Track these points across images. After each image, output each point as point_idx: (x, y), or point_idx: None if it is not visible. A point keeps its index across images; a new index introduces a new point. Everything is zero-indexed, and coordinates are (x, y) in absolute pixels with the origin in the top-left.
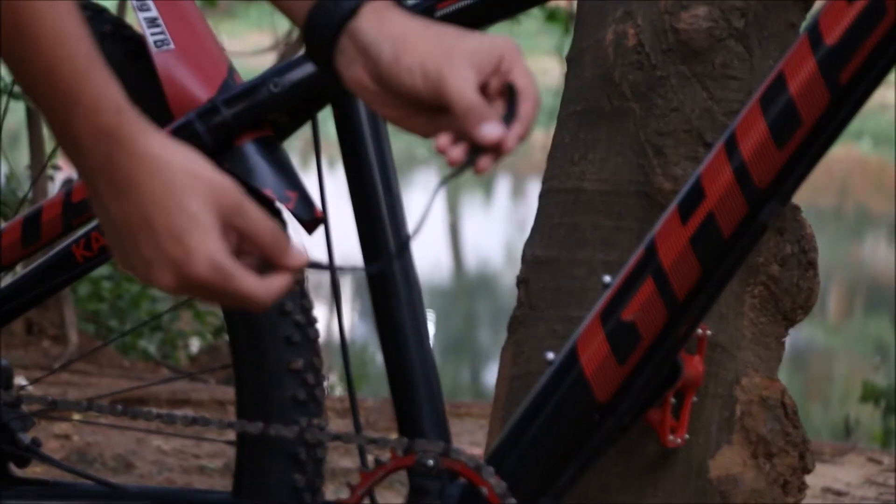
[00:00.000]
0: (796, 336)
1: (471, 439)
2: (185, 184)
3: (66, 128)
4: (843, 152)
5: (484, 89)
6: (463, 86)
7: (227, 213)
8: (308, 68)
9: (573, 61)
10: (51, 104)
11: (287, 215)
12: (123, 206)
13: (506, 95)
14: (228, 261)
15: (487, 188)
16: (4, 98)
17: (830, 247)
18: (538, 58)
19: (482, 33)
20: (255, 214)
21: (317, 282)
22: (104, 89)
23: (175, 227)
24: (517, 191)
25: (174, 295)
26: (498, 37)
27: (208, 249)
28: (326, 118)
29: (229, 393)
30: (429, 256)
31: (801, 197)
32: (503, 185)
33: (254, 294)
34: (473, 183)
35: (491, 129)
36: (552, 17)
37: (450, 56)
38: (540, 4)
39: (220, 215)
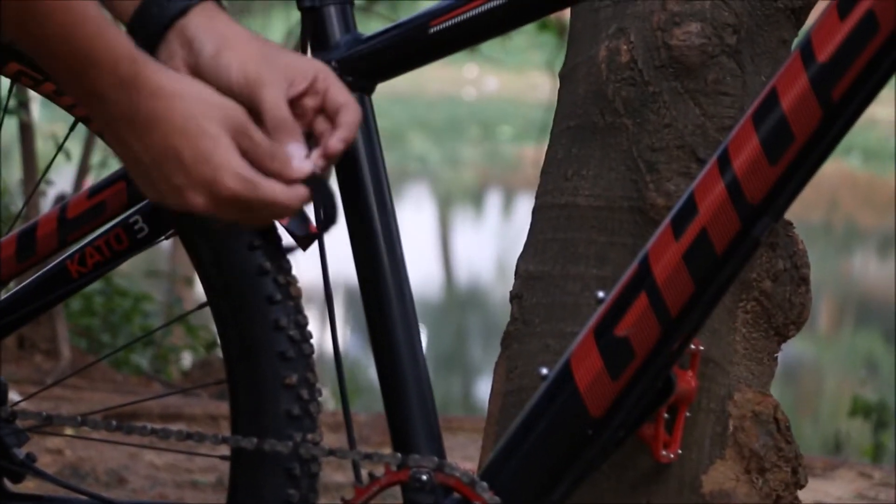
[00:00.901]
0: (787, 350)
1: (464, 454)
2: (202, 110)
3: (87, 85)
4: (833, 167)
5: (299, 105)
6: (278, 97)
7: (238, 132)
8: None
9: (566, 77)
10: (70, 66)
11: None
12: (149, 143)
13: (324, 113)
14: (252, 172)
15: (479, 203)
16: None
17: (820, 262)
18: (529, 73)
19: (301, 54)
20: (257, 132)
21: (310, 296)
22: (117, 42)
23: (200, 150)
24: (508, 205)
25: (210, 213)
26: (312, 59)
27: (233, 164)
28: None
29: (222, 408)
30: (421, 271)
31: (791, 212)
32: (494, 200)
33: (281, 199)
34: (465, 197)
35: (298, 150)
36: (544, 26)
37: (270, 65)
38: (522, 26)
39: (232, 134)
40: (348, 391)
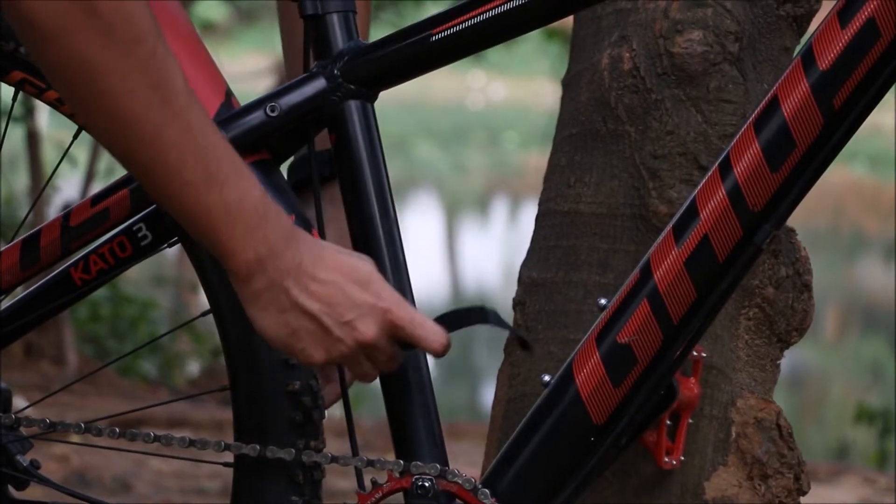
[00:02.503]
0: (792, 357)
1: (468, 460)
2: (345, 251)
3: (262, 245)
4: (838, 174)
5: None
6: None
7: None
8: (305, 92)
9: (569, 85)
10: (245, 229)
11: None
12: (316, 287)
13: None
14: (405, 301)
15: (484, 209)
16: (3, 121)
17: (825, 268)
18: (536, 80)
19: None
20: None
21: None
22: (275, 202)
23: (360, 277)
24: (514, 212)
25: (376, 347)
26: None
27: (389, 289)
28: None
29: (228, 414)
30: (427, 277)
31: (795, 219)
32: (500, 207)
33: (431, 331)
34: (470, 204)
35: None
36: (550, 35)
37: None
38: (524, 33)
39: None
40: (352, 397)
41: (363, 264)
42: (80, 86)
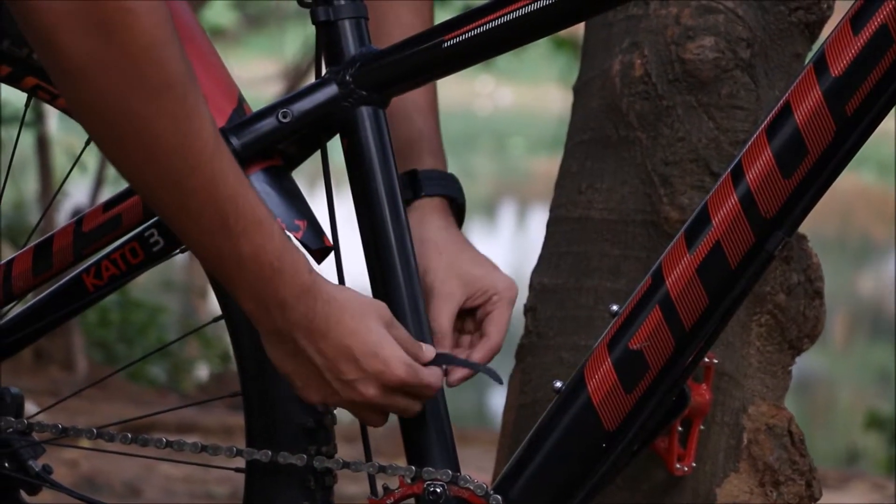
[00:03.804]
0: (801, 363)
1: (478, 465)
2: (364, 311)
3: (270, 297)
4: (847, 181)
5: (468, 311)
6: (444, 312)
7: (388, 325)
8: (317, 98)
9: (580, 91)
10: (255, 282)
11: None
12: (324, 346)
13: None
14: (410, 359)
15: (492, 215)
16: (13, 126)
17: (834, 275)
18: (541, 86)
19: (494, 265)
20: (398, 323)
21: None
22: (296, 255)
23: (370, 346)
24: (520, 218)
25: (377, 405)
26: (505, 276)
27: (398, 355)
28: (334, 147)
29: (237, 419)
30: None
31: (804, 225)
32: (508, 212)
33: (433, 381)
34: (478, 209)
35: (427, 352)
36: (559, 44)
37: (451, 280)
38: (535, 40)
39: (385, 327)
40: None
41: (376, 327)
42: (105, 125)
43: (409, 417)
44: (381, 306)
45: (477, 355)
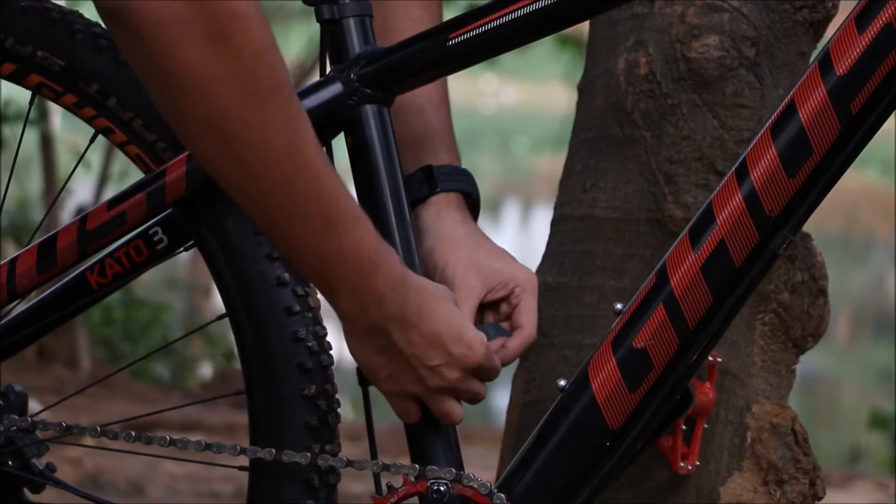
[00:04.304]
0: (804, 362)
1: (481, 464)
2: (443, 296)
3: (370, 292)
4: (850, 179)
5: (490, 304)
6: (466, 307)
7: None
8: (321, 96)
9: (585, 90)
10: (356, 277)
11: None
12: (415, 334)
13: (510, 322)
14: (486, 341)
15: (495, 213)
16: (17, 124)
17: (838, 273)
18: (546, 85)
19: (512, 258)
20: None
21: (328, 308)
22: (388, 248)
23: (455, 330)
24: (524, 216)
25: (457, 389)
26: (525, 268)
27: (479, 338)
28: (338, 145)
29: (241, 418)
30: None
31: (808, 224)
32: (511, 211)
33: (498, 364)
34: (481, 208)
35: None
36: (563, 42)
37: (471, 274)
38: (540, 38)
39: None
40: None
41: (456, 311)
42: (217, 136)
43: (477, 403)
44: (448, 291)
45: (514, 344)
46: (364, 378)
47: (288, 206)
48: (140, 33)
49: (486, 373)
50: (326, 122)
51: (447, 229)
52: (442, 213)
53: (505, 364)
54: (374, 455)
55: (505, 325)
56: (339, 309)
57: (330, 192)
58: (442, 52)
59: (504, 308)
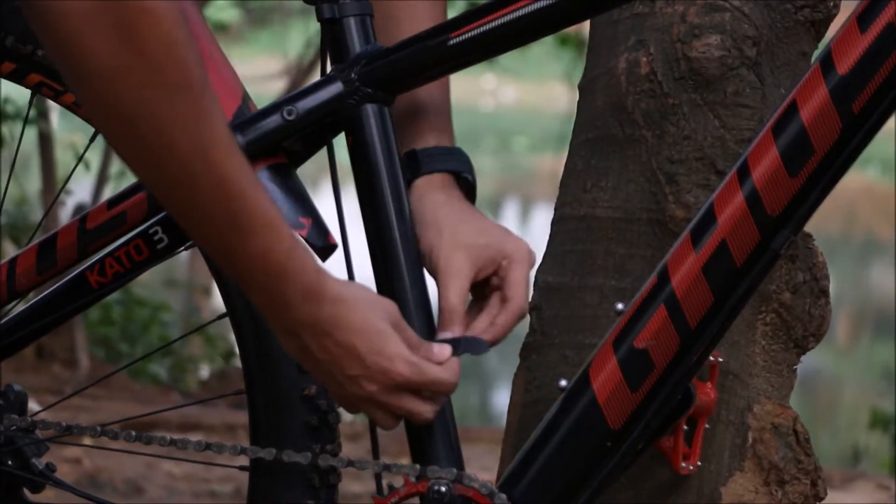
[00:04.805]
0: (805, 362)
1: (481, 464)
2: (372, 309)
3: (277, 297)
4: (851, 179)
5: (484, 281)
6: (456, 288)
7: (395, 324)
8: (322, 95)
9: (585, 89)
10: (263, 280)
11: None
12: (328, 344)
13: (500, 294)
14: (416, 357)
15: (495, 213)
16: (15, 123)
17: (839, 273)
18: (545, 84)
19: (502, 227)
20: (405, 324)
21: None
22: (304, 256)
23: (375, 344)
24: (524, 216)
25: (380, 402)
26: (515, 239)
27: (403, 353)
28: (339, 145)
29: (240, 417)
30: None
31: (809, 223)
32: (510, 210)
33: (441, 376)
34: (481, 207)
35: (440, 352)
36: (563, 41)
37: (459, 254)
38: (541, 38)
39: (393, 326)
40: None
41: (383, 326)
42: (122, 127)
43: (421, 423)
44: (390, 305)
45: (502, 319)
46: None
47: (193, 204)
48: (48, 22)
49: (424, 388)
50: (327, 122)
51: (429, 213)
52: (424, 197)
53: (497, 341)
54: (376, 455)
55: (496, 298)
56: (253, 303)
57: (237, 194)
58: (443, 52)
59: (494, 281)
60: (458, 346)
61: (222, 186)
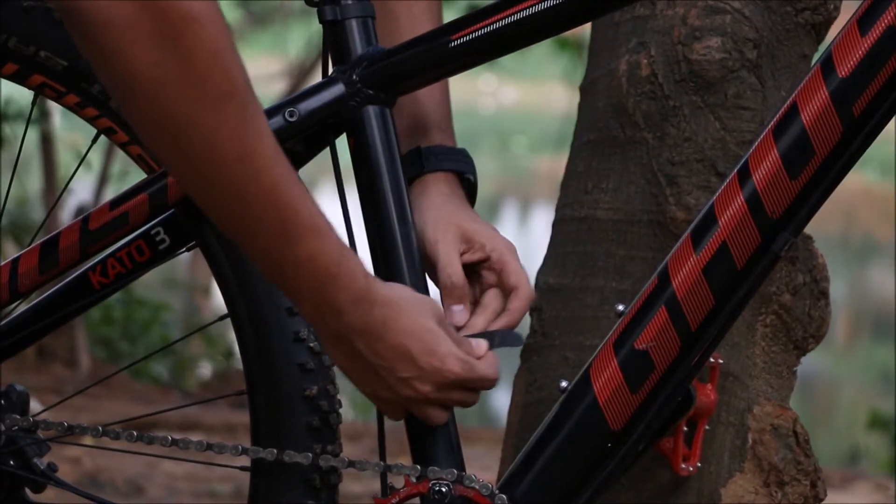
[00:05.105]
0: (804, 363)
1: (481, 465)
2: (420, 310)
3: (327, 303)
4: (850, 181)
5: (478, 275)
6: (451, 256)
7: (441, 321)
8: (323, 97)
9: (586, 91)
10: (313, 286)
11: None
12: (381, 347)
13: (500, 289)
14: (464, 353)
15: (494, 214)
16: (17, 124)
17: (838, 275)
18: (545, 85)
19: (494, 229)
20: (445, 319)
21: None
22: (353, 260)
23: (427, 344)
24: (523, 217)
25: (425, 401)
26: (503, 237)
27: (453, 351)
28: (341, 146)
29: (240, 417)
30: None
31: (808, 225)
32: (509, 211)
33: (488, 373)
34: (481, 208)
35: (458, 315)
36: (563, 44)
37: (447, 228)
38: (542, 40)
39: (439, 324)
40: (368, 402)
41: (432, 325)
42: (168, 137)
43: (468, 406)
44: (434, 303)
45: (514, 306)
46: None
47: (241, 212)
48: (90, 32)
49: (473, 385)
50: (329, 123)
51: (429, 210)
52: (427, 190)
53: (513, 325)
54: (383, 456)
55: (493, 292)
56: (301, 312)
57: (286, 201)
58: (444, 54)
59: (488, 277)
60: (493, 339)
61: (271, 193)
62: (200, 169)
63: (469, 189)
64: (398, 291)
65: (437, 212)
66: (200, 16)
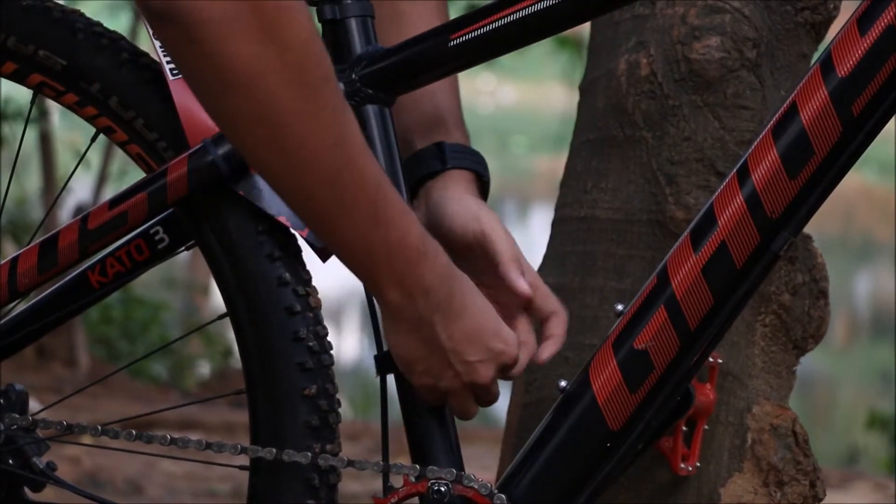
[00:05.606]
0: (803, 363)
1: (480, 464)
2: (480, 291)
3: (416, 283)
4: (849, 181)
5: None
6: (503, 235)
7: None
8: None
9: (586, 90)
10: (403, 268)
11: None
12: (458, 328)
13: (529, 311)
14: (516, 338)
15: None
16: (16, 123)
17: (836, 274)
18: (544, 84)
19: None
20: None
21: (329, 308)
22: (433, 240)
23: (495, 325)
24: (522, 216)
25: (487, 388)
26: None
27: (513, 336)
28: None
29: (239, 417)
30: None
31: (807, 225)
32: (508, 211)
33: (524, 359)
34: None
35: (522, 285)
36: (562, 43)
37: (488, 217)
38: (541, 39)
39: None
40: (364, 401)
41: (493, 310)
42: (266, 130)
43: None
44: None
45: (553, 347)
46: (382, 367)
47: (336, 198)
48: (189, 32)
49: (519, 371)
50: None
51: (451, 196)
52: (449, 188)
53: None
54: (385, 456)
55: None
56: (384, 301)
57: (376, 183)
58: (444, 53)
59: (482, 264)
60: None
61: (363, 176)
62: (299, 158)
63: (483, 192)
64: (464, 273)
65: (466, 202)
66: (292, 5)
